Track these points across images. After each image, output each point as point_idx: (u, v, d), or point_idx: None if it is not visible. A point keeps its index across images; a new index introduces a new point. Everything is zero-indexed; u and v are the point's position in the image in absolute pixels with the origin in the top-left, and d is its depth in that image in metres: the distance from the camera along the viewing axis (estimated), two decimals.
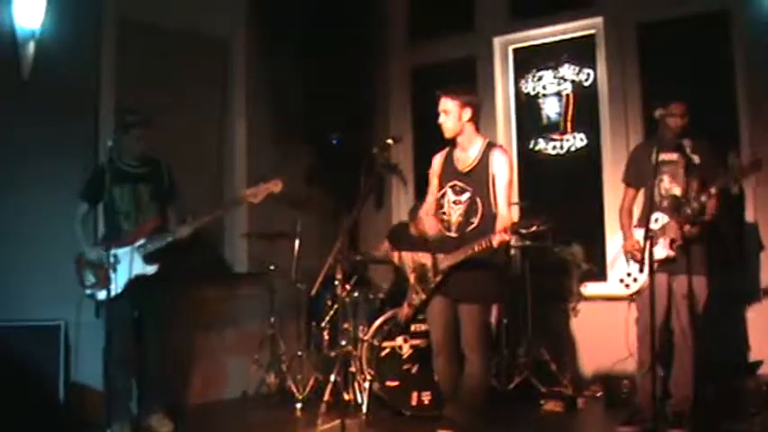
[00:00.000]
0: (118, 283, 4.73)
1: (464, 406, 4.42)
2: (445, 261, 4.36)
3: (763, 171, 4.59)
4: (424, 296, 4.49)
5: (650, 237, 4.14)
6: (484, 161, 4.41)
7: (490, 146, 4.47)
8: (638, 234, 4.67)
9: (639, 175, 4.87)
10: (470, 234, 4.34)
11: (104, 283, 4.65)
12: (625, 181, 5.04)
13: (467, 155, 4.48)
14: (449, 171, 4.55)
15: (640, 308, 4.75)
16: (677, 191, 4.72)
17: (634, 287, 4.77)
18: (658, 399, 4.36)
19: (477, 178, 4.41)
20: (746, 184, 5.70)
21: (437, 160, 4.63)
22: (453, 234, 4.42)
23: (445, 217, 4.48)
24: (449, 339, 4.49)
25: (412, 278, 4.57)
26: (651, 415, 4.33)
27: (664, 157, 4.65)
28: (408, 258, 4.64)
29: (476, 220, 4.37)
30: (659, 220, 4.63)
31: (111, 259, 4.55)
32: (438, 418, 4.65)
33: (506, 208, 4.35)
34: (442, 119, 4.46)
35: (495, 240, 4.15)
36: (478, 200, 4.38)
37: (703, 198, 4.51)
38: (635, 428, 4.66)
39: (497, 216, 4.32)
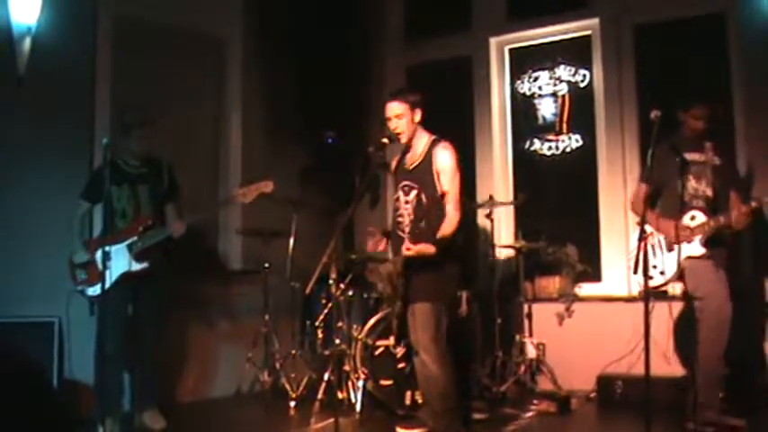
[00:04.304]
0: (109, 279, 4.72)
1: (427, 410, 4.44)
2: (398, 261, 4.39)
3: None
4: (401, 302, 4.51)
5: (645, 237, 4.14)
6: (428, 157, 4.43)
7: (435, 142, 4.47)
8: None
9: (662, 174, 4.78)
10: (419, 232, 4.35)
11: (95, 279, 4.64)
12: (645, 179, 4.89)
13: (414, 153, 4.51)
14: (400, 172, 4.59)
15: (705, 302, 4.60)
16: (709, 192, 4.79)
17: (660, 280, 4.73)
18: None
19: (422, 175, 4.43)
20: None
21: (392, 165, 4.67)
22: (407, 234, 4.44)
23: (400, 219, 4.51)
24: None
25: (389, 289, 4.59)
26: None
27: (689, 156, 4.71)
28: (379, 271, 4.66)
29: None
30: (696, 217, 4.70)
31: (103, 257, 4.54)
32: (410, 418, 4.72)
33: (453, 206, 4.35)
34: (394, 124, 4.43)
35: (431, 248, 4.17)
36: (423, 197, 4.40)
37: (742, 210, 4.60)
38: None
39: (445, 214, 4.33)
